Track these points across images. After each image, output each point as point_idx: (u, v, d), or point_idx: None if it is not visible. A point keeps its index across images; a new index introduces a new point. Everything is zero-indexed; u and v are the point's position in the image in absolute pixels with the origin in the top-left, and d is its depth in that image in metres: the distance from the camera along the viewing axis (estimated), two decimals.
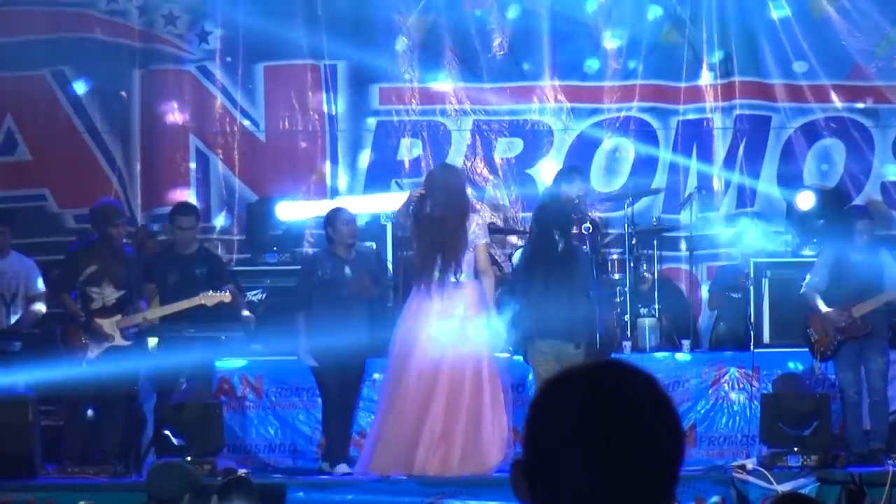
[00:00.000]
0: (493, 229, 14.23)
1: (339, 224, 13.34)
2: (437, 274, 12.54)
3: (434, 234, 12.61)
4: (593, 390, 2.65)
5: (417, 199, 12.68)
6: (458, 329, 12.53)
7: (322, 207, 14.93)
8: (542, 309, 12.90)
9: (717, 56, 16.18)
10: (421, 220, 12.64)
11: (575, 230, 13.43)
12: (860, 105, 16.18)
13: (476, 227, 12.67)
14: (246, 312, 14.41)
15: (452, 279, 12.57)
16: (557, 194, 14.14)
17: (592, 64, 16.32)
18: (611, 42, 16.31)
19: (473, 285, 12.61)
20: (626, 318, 14.36)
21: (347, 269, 13.28)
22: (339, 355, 13.08)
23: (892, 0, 16.13)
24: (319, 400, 13.71)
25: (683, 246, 15.93)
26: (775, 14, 16.17)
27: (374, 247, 15.10)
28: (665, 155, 16.12)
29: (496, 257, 14.62)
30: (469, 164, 16.16)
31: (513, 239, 15.97)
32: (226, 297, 13.45)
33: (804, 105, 16.19)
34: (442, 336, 12.45)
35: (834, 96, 16.14)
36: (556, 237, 13.06)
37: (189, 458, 12.74)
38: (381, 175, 16.14)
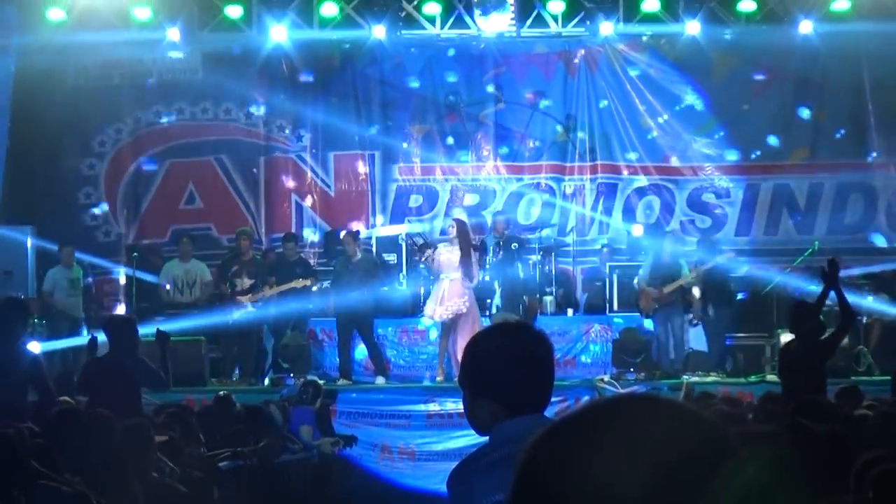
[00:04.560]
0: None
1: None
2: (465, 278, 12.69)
3: (454, 256, 12.66)
4: (522, 334, 2.69)
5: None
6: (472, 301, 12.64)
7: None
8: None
9: (587, 148, 15.81)
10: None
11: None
12: (669, 176, 15.86)
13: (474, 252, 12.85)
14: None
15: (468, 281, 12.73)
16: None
17: (519, 151, 15.98)
18: (529, 140, 15.99)
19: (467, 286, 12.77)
20: (537, 296, 14.06)
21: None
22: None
23: (690, 118, 15.69)
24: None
25: (569, 255, 15.44)
26: (620, 126, 15.81)
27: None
28: (559, 204, 15.82)
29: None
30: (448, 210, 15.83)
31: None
32: (307, 281, 13.42)
33: (636, 177, 15.88)
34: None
35: (653, 171, 15.85)
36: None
37: (292, 375, 12.96)
38: (398, 216, 15.87)
